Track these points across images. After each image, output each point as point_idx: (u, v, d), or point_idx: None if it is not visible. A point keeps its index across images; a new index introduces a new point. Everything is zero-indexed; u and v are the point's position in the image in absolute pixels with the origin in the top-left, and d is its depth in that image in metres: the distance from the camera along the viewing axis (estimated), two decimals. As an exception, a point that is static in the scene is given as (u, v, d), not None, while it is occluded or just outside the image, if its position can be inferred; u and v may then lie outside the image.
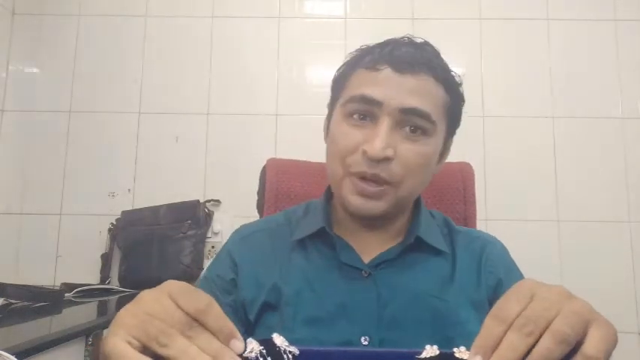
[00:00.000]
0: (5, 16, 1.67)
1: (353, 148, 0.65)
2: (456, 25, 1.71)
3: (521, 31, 1.71)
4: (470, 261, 0.72)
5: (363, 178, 0.64)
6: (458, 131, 0.74)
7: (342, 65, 0.74)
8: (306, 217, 0.76)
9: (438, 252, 0.71)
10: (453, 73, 0.70)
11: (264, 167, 1.06)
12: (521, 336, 0.36)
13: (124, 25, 1.74)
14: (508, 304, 0.38)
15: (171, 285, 0.40)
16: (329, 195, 0.77)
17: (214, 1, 1.74)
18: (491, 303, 0.65)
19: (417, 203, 0.75)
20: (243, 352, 0.39)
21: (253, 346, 0.40)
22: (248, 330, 0.69)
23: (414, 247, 0.70)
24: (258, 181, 1.06)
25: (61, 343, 0.87)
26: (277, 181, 1.01)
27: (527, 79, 1.68)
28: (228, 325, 0.39)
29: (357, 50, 0.73)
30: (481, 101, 1.66)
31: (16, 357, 0.65)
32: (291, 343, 0.42)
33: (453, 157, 1.09)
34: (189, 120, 1.69)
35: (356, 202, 0.65)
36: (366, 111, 0.66)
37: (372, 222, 0.70)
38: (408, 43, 0.69)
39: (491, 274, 0.70)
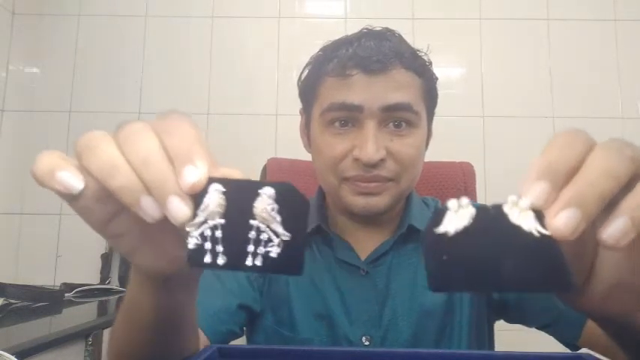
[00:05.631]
0: (5, 16, 1.67)
1: (342, 156, 0.64)
2: (456, 25, 1.71)
3: (521, 31, 1.70)
4: None
5: (361, 180, 0.63)
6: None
7: (305, 69, 0.72)
8: None
9: None
10: (421, 54, 0.68)
11: (264, 167, 1.06)
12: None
13: (124, 25, 1.73)
14: None
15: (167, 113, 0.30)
16: (322, 193, 0.76)
17: (214, 1, 1.74)
18: None
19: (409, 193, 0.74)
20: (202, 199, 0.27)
21: (209, 203, 0.27)
22: (249, 328, 0.70)
23: (408, 237, 0.69)
24: (258, 181, 1.06)
25: (61, 343, 0.87)
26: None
27: (527, 79, 1.68)
28: (194, 149, 0.28)
29: (319, 51, 0.70)
30: (481, 101, 1.66)
31: (16, 357, 0.65)
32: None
33: (453, 156, 1.10)
34: (189, 120, 1.68)
35: (360, 202, 0.64)
36: (347, 117, 0.64)
37: (373, 219, 0.69)
38: (370, 36, 0.67)
39: None
